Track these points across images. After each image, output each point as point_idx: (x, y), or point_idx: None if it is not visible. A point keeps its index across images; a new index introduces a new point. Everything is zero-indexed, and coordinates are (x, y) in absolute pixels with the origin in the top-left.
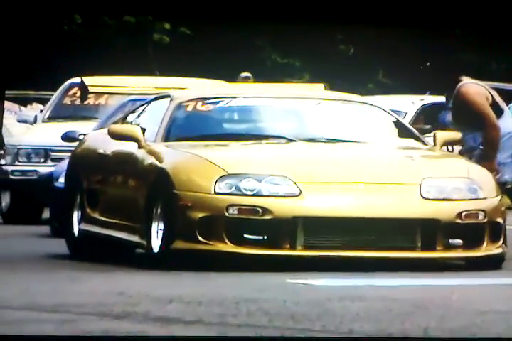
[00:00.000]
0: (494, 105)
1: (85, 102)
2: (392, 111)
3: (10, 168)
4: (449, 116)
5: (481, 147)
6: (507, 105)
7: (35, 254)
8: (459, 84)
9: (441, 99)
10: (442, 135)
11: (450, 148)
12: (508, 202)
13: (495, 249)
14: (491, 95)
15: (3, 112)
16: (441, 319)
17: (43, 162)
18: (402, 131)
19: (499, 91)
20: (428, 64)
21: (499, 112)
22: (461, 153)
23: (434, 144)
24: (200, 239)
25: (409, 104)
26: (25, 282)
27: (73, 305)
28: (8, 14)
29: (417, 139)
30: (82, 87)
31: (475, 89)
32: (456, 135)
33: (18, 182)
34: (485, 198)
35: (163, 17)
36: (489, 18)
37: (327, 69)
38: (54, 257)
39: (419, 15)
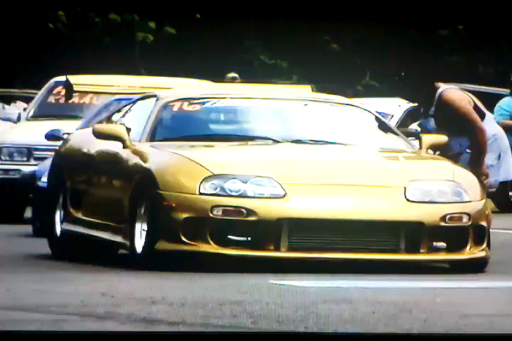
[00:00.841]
0: (476, 109)
1: (70, 101)
2: (379, 113)
3: None
4: (432, 123)
5: (467, 151)
6: (490, 110)
7: (16, 254)
8: (439, 90)
9: None
10: (428, 138)
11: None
12: (493, 206)
13: (478, 252)
14: (472, 99)
15: None
16: (424, 322)
17: (25, 161)
18: (388, 134)
19: (479, 94)
20: (402, 73)
21: (482, 115)
22: (446, 157)
23: (420, 147)
24: (184, 239)
25: (396, 106)
26: (6, 282)
27: (56, 305)
28: None
29: (403, 142)
30: (67, 85)
31: (458, 94)
32: (442, 138)
33: (0, 182)
34: (470, 201)
35: (148, 15)
36: (477, 20)
37: (315, 70)
38: (36, 257)
39: (407, 15)
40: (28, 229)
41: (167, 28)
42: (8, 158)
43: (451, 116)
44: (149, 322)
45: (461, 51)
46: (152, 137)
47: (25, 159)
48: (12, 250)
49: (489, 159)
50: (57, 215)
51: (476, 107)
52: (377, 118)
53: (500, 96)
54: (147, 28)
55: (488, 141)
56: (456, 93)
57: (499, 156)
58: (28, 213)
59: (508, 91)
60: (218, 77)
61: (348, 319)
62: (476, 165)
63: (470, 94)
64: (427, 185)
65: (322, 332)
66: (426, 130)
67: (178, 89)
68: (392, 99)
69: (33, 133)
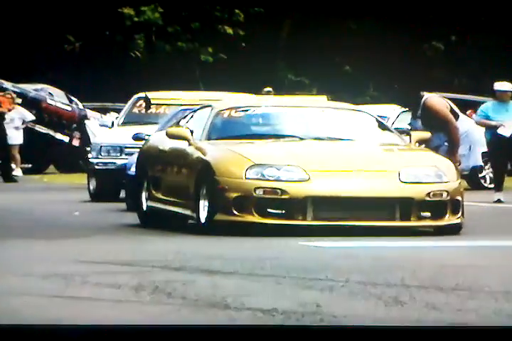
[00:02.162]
0: (452, 111)
1: (149, 111)
2: (378, 116)
3: (95, 161)
4: (419, 123)
5: (446, 144)
6: (463, 112)
7: (115, 224)
8: (424, 97)
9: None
10: (416, 135)
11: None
12: (465, 185)
13: (455, 220)
14: (449, 104)
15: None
16: (413, 271)
17: (119, 156)
18: (386, 131)
19: (455, 100)
20: (396, 86)
21: (456, 116)
22: (429, 149)
23: (410, 141)
24: (235, 212)
25: (391, 110)
26: (108, 243)
27: (142, 260)
28: (92, 47)
29: (397, 138)
30: (146, 100)
31: (437, 100)
32: (427, 134)
33: (101, 171)
34: (448, 181)
35: (206, 43)
36: (453, 41)
37: (331, 85)
38: (129, 226)
39: (397, 40)
40: (123, 205)
41: (220, 54)
42: (106, 154)
43: (432, 117)
44: (211, 273)
45: (441, 66)
46: (209, 137)
47: (118, 154)
48: (112, 221)
49: (462, 150)
50: (143, 195)
51: (451, 110)
52: (377, 120)
53: (471, 102)
54: (206, 53)
55: (461, 136)
56: (436, 99)
57: (470, 148)
58: (122, 194)
59: (484, 98)
60: (257, 90)
61: (355, 270)
62: (451, 154)
63: (447, 100)
64: (416, 169)
65: (323, 325)
66: (414, 128)
67: (227, 100)
68: (389, 105)
69: (123, 135)
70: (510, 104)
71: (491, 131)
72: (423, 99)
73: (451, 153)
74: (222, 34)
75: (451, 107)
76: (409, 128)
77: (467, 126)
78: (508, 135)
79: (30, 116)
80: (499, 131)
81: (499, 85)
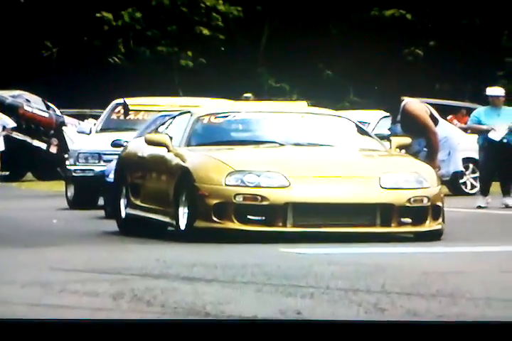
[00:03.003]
0: (431, 116)
1: (127, 117)
2: (359, 122)
3: (73, 168)
4: (399, 128)
5: (425, 149)
6: (442, 117)
7: (93, 231)
8: (403, 102)
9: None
10: (396, 140)
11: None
12: (446, 190)
13: (436, 226)
14: (429, 109)
15: None
16: (395, 278)
17: (97, 163)
18: (366, 137)
19: (436, 106)
20: (376, 88)
21: (435, 121)
22: (409, 154)
23: (390, 147)
24: (215, 219)
25: (371, 116)
26: (87, 251)
27: (122, 268)
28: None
29: (377, 143)
30: (125, 106)
31: (417, 105)
32: (407, 140)
33: (79, 178)
34: (428, 187)
35: (185, 48)
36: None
37: (311, 91)
38: (108, 233)
39: (379, 46)
40: (101, 213)
41: (200, 59)
42: (84, 161)
43: (411, 123)
44: (191, 280)
45: (421, 71)
46: (188, 143)
47: (96, 161)
48: (90, 228)
49: (441, 155)
50: (122, 202)
51: (431, 115)
52: (357, 126)
53: (452, 107)
54: (187, 57)
55: (441, 142)
56: (415, 104)
57: (449, 153)
58: (101, 201)
59: (465, 104)
60: (236, 96)
61: (337, 276)
62: (431, 159)
63: (427, 105)
64: (396, 175)
65: (317, 319)
66: (394, 133)
67: (206, 106)
68: (369, 111)
69: (101, 142)
70: (502, 109)
71: (483, 135)
72: (402, 104)
73: (431, 158)
74: (201, 37)
75: (430, 112)
76: (389, 133)
77: (447, 131)
78: (497, 139)
79: (11, 123)
80: (490, 135)
81: (491, 90)
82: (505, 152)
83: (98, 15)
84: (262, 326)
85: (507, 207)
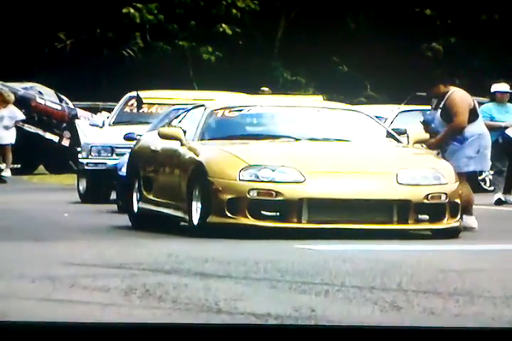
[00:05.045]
0: (472, 111)
1: (140, 111)
2: (376, 117)
3: (85, 161)
4: (437, 114)
5: (455, 143)
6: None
7: (105, 225)
8: (451, 90)
9: (412, 107)
10: (414, 135)
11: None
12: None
13: (454, 223)
14: (473, 103)
15: None
16: (411, 275)
17: (110, 156)
18: (383, 132)
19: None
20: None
21: (475, 117)
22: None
23: (408, 142)
24: (228, 214)
25: (389, 111)
26: (98, 246)
27: (134, 263)
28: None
29: (394, 138)
30: (138, 99)
31: (462, 94)
32: (425, 135)
33: (92, 172)
34: (446, 184)
35: (203, 42)
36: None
37: (327, 85)
38: (119, 228)
39: (399, 40)
40: (114, 207)
41: (217, 53)
42: (96, 154)
43: (450, 110)
44: (203, 276)
45: (442, 66)
46: (202, 137)
47: (109, 155)
48: (102, 222)
49: (470, 152)
50: (134, 196)
51: (472, 110)
52: (374, 121)
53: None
54: (207, 52)
55: (472, 138)
56: (461, 93)
57: (478, 151)
58: (113, 195)
59: (484, 99)
60: (253, 90)
61: (353, 273)
62: (436, 140)
63: (474, 100)
64: (414, 171)
65: (321, 324)
66: (427, 119)
67: (220, 100)
68: (386, 105)
69: (114, 135)
70: (507, 105)
71: (499, 132)
72: (450, 92)
73: (436, 139)
74: (220, 33)
75: (474, 107)
76: (423, 119)
77: (481, 129)
78: None
79: (21, 115)
80: (507, 131)
81: (498, 86)
82: None
83: (125, 10)
84: (274, 330)
85: (499, 203)
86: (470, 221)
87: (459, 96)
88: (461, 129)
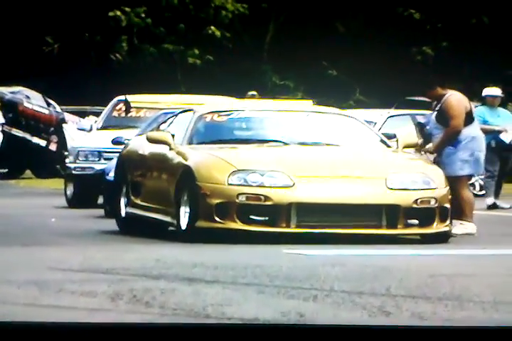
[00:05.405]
0: (469, 114)
1: (129, 115)
2: (365, 121)
3: (73, 165)
4: (433, 116)
5: (450, 148)
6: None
7: (92, 230)
8: (448, 93)
9: (401, 112)
10: (403, 140)
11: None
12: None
13: (443, 228)
14: (470, 106)
15: None
16: (400, 280)
17: (97, 160)
18: (373, 137)
19: None
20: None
21: (471, 120)
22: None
23: (397, 147)
24: (217, 219)
25: (378, 115)
26: (85, 251)
27: (121, 268)
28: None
29: (384, 143)
30: (126, 103)
31: (459, 97)
32: (414, 140)
33: (79, 176)
34: (436, 188)
35: (190, 46)
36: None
37: (316, 89)
38: (107, 232)
39: (387, 45)
40: (101, 211)
41: (207, 56)
42: (84, 159)
43: (445, 112)
44: (191, 281)
45: (440, 69)
46: (190, 141)
47: (96, 159)
48: (89, 227)
49: (464, 155)
50: (122, 201)
51: (468, 113)
52: (363, 125)
53: None
54: (194, 55)
55: (466, 140)
56: (458, 96)
57: (472, 154)
58: (100, 200)
59: (474, 103)
60: (242, 94)
61: (342, 278)
62: (434, 145)
63: (471, 103)
64: (403, 176)
65: (317, 324)
66: (425, 122)
67: (209, 104)
68: (375, 110)
69: (102, 139)
70: (498, 109)
71: (490, 136)
72: (447, 95)
73: (435, 145)
74: (208, 36)
75: (470, 110)
76: (418, 122)
77: (476, 132)
78: (508, 141)
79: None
80: (501, 135)
81: (490, 90)
82: (509, 154)
83: (111, 14)
84: (262, 330)
85: (491, 208)
86: (470, 227)
87: (456, 99)
88: (457, 133)
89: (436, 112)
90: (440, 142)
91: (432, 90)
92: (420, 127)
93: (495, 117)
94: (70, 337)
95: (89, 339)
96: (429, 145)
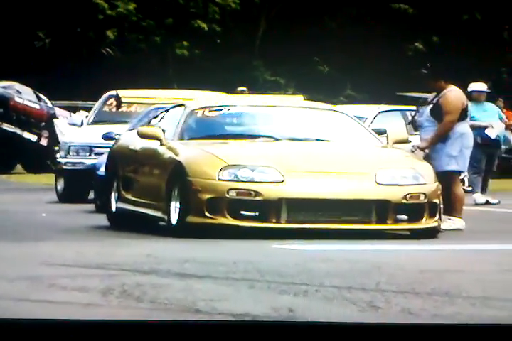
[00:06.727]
0: (464, 111)
1: (120, 110)
2: (356, 116)
3: (63, 160)
4: (427, 110)
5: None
6: None
7: (83, 225)
8: (448, 88)
9: (392, 107)
10: (393, 135)
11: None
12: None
13: (432, 223)
14: (466, 103)
15: None
16: (390, 276)
17: (88, 156)
18: (363, 132)
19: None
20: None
21: (464, 117)
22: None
23: (387, 142)
24: (207, 214)
25: (369, 111)
26: (76, 246)
27: (113, 263)
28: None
29: (374, 138)
30: (117, 98)
31: (457, 93)
32: (404, 135)
33: (70, 171)
34: (425, 184)
35: (181, 39)
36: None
37: (307, 84)
38: (97, 228)
39: (379, 42)
40: (92, 207)
41: (196, 50)
42: (75, 154)
43: (441, 107)
44: (182, 276)
45: (422, 66)
46: (181, 136)
47: (87, 154)
48: (80, 222)
49: (453, 151)
50: (113, 196)
51: (464, 109)
52: (354, 121)
53: None
54: (183, 47)
55: (454, 136)
56: (456, 92)
57: (460, 150)
58: (91, 195)
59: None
60: (231, 89)
61: (332, 273)
62: (426, 141)
63: (467, 100)
64: (392, 171)
65: (314, 321)
66: (418, 114)
67: (200, 99)
68: (366, 105)
69: (93, 134)
70: (484, 104)
71: (477, 131)
72: (446, 90)
73: (428, 141)
74: (197, 29)
75: (466, 107)
76: (414, 114)
77: (466, 129)
78: (493, 136)
79: None
80: (487, 131)
81: (476, 86)
82: (495, 150)
83: (93, 1)
84: (253, 327)
85: (484, 205)
86: (459, 223)
87: (454, 95)
88: (450, 129)
89: (432, 105)
90: (434, 137)
91: (436, 82)
92: (415, 123)
93: (480, 112)
94: (60, 334)
95: (82, 335)
96: (419, 143)
